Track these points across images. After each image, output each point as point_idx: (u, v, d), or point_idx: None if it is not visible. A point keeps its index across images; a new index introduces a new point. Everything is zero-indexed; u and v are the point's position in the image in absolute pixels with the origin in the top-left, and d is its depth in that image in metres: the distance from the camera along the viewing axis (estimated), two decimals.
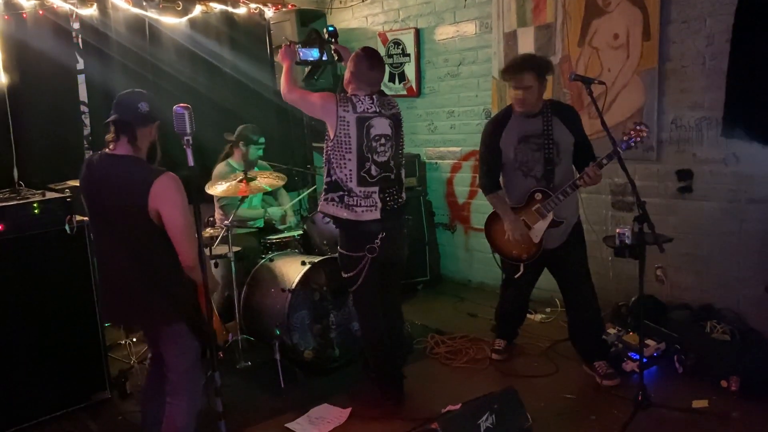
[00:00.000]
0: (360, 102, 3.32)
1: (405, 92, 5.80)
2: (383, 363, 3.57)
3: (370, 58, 3.36)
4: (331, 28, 3.67)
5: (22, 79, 4.58)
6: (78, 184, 4.08)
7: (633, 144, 3.37)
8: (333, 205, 3.36)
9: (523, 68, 3.53)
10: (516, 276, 3.77)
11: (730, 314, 3.91)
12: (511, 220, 3.66)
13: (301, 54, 3.68)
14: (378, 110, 3.35)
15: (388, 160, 3.39)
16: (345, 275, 3.46)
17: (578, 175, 3.51)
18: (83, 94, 5.03)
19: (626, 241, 3.22)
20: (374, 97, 3.37)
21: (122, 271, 2.69)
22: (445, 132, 5.62)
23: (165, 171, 2.61)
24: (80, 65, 4.97)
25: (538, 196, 3.61)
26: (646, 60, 4.17)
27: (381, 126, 3.35)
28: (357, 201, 3.33)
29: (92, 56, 4.94)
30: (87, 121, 5.09)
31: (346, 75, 3.40)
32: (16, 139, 4.59)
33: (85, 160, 2.79)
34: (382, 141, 3.36)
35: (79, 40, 4.92)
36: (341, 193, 3.33)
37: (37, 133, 4.69)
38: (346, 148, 3.29)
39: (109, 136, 2.69)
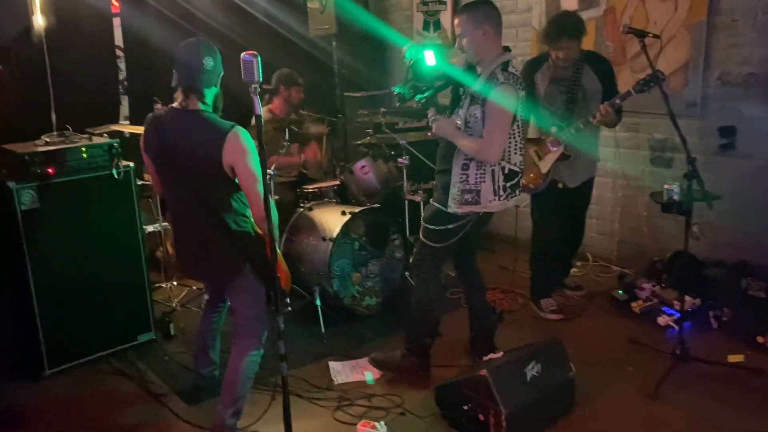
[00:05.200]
0: (515, 68, 3.06)
1: (440, 41, 5.71)
2: (425, 328, 3.35)
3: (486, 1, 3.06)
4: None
5: (59, 22, 4.54)
6: (117, 128, 4.18)
7: (646, 88, 3.41)
8: (512, 197, 3.15)
9: (560, 35, 3.63)
10: (521, 205, 4.01)
11: (766, 272, 3.93)
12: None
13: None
14: None
15: None
16: (437, 227, 3.14)
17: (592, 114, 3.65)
18: (119, 39, 5.00)
19: (675, 198, 3.22)
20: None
21: (196, 224, 2.74)
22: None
23: (235, 125, 2.62)
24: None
25: (553, 129, 3.76)
26: (694, 13, 4.08)
27: None
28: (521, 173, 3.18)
29: (128, 0, 4.89)
30: (122, 66, 5.07)
31: (477, 42, 3.00)
32: (54, 83, 4.60)
33: (150, 117, 2.77)
34: None
35: None
36: (517, 177, 3.13)
37: (74, 76, 4.68)
38: (521, 125, 3.09)
39: (178, 95, 2.67)
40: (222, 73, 2.74)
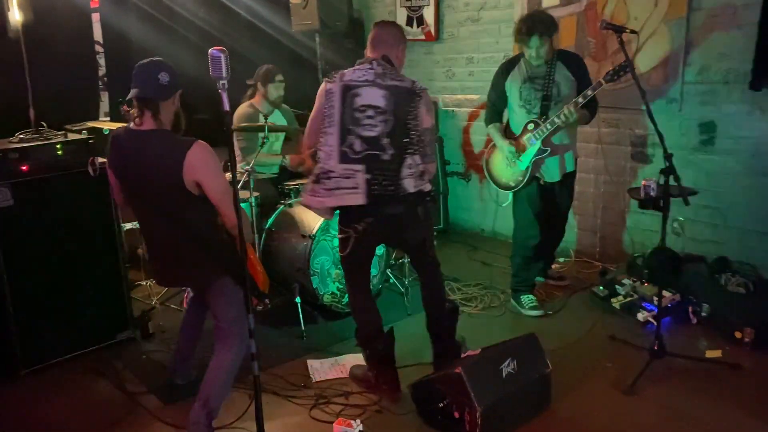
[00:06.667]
0: (354, 71, 2.97)
1: (423, 37, 5.69)
2: (371, 351, 3.22)
3: (378, 22, 3.17)
4: None
5: (37, 17, 4.49)
6: (96, 125, 4.14)
7: (616, 78, 3.47)
8: (307, 194, 3.01)
9: (534, 33, 3.67)
10: (503, 205, 4.07)
11: (746, 267, 3.95)
12: (501, 145, 3.97)
13: None
14: (372, 79, 2.94)
15: (379, 136, 2.91)
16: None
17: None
18: (98, 34, 4.96)
19: (651, 194, 3.22)
20: (374, 64, 2.97)
21: (165, 238, 2.75)
22: (464, 79, 5.55)
23: (195, 140, 2.61)
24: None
25: (530, 126, 3.83)
26: (674, 9, 4.08)
27: (371, 96, 2.91)
28: (337, 183, 2.91)
29: None
30: (102, 62, 5.03)
31: None
32: (32, 79, 4.55)
33: (111, 136, 2.77)
34: (369, 113, 2.91)
35: None
36: (318, 174, 2.94)
37: (52, 73, 4.63)
38: (329, 122, 2.92)
39: (133, 112, 2.66)
40: (180, 91, 2.74)
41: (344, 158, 2.91)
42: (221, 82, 2.18)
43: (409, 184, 2.96)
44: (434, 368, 3.23)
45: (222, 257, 2.73)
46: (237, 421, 2.92)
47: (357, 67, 3.02)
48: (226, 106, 2.21)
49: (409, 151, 2.95)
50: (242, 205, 4.02)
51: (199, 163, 2.59)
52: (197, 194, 2.64)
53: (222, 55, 2.14)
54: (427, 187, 3.05)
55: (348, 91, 2.93)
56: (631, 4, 4.29)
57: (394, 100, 2.93)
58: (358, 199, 2.92)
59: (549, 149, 3.81)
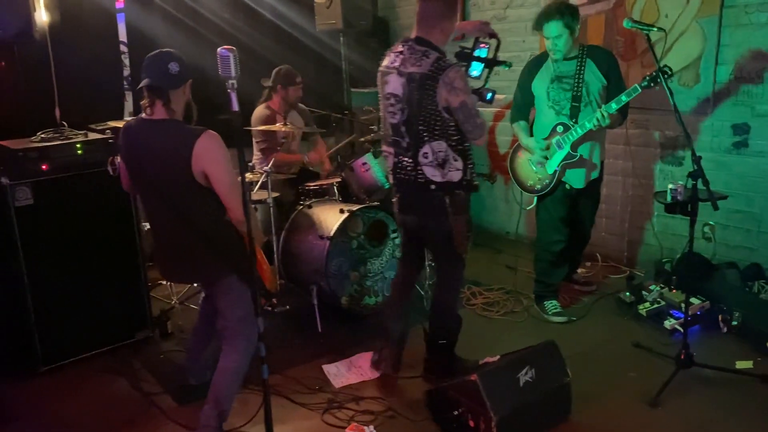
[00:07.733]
0: (389, 55, 3.02)
1: None
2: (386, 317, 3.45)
3: None
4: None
5: (63, 18, 4.54)
6: (117, 125, 4.16)
7: (653, 84, 3.34)
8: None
9: (548, 17, 3.59)
10: (527, 208, 4.04)
11: None
12: (526, 143, 3.90)
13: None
14: (397, 66, 2.92)
15: (399, 124, 2.95)
16: None
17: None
18: (123, 34, 4.99)
19: (678, 198, 3.09)
20: (405, 47, 2.94)
21: (172, 232, 2.74)
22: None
23: (205, 130, 2.60)
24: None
25: (560, 128, 3.71)
26: (707, 6, 3.93)
27: (393, 84, 2.94)
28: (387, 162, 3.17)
29: None
30: (126, 62, 5.06)
31: None
32: (58, 79, 4.60)
33: (123, 127, 2.79)
34: (392, 101, 2.96)
35: None
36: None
37: (78, 72, 4.68)
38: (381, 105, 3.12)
39: (144, 102, 2.66)
40: (190, 80, 2.73)
41: (385, 140, 3.12)
42: (230, 81, 2.15)
43: (430, 173, 2.94)
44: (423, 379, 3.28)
45: (229, 255, 2.70)
46: (248, 423, 2.89)
47: (392, 49, 3.03)
48: (235, 107, 2.18)
49: (425, 138, 2.91)
50: (259, 205, 4.05)
51: (208, 153, 2.57)
52: (205, 186, 2.62)
53: (231, 54, 2.12)
54: (456, 176, 2.94)
55: (382, 77, 3.05)
56: (662, 2, 4.15)
57: (409, 88, 2.89)
58: (390, 179, 3.16)
59: (579, 154, 3.69)
